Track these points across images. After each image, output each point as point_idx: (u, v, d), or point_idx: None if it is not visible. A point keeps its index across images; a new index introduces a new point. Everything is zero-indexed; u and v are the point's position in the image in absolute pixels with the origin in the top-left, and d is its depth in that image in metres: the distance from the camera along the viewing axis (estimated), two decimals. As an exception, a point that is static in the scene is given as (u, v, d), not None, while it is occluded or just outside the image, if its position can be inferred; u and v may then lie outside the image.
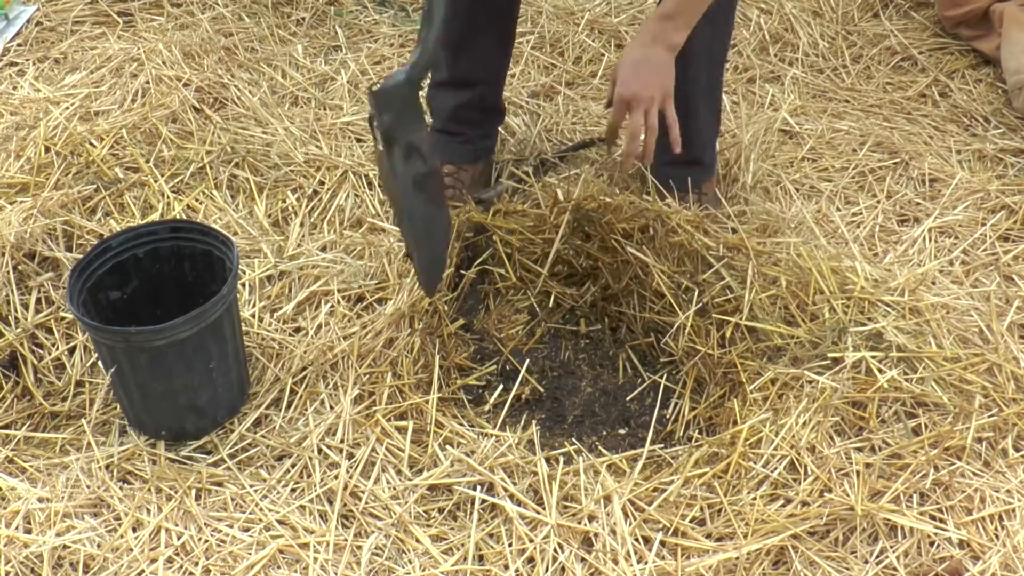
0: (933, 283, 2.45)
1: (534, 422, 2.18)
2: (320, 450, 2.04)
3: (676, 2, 2.11)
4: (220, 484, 1.99)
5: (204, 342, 1.98)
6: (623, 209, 2.35)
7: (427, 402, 2.12)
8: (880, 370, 2.09)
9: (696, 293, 2.27)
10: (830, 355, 2.12)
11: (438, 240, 2.08)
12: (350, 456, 2.03)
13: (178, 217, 2.52)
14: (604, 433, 2.22)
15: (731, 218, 2.51)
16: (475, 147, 2.67)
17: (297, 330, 2.30)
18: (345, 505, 1.95)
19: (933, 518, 1.97)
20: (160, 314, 2.06)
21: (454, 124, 2.63)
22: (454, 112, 2.62)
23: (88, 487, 1.97)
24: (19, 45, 3.18)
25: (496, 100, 2.71)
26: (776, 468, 2.00)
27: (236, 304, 2.06)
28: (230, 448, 2.05)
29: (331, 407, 2.12)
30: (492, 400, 2.21)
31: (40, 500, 1.94)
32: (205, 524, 1.92)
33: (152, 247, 2.12)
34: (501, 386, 2.27)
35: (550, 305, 2.41)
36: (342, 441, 2.05)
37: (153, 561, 1.87)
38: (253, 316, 2.30)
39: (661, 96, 2.18)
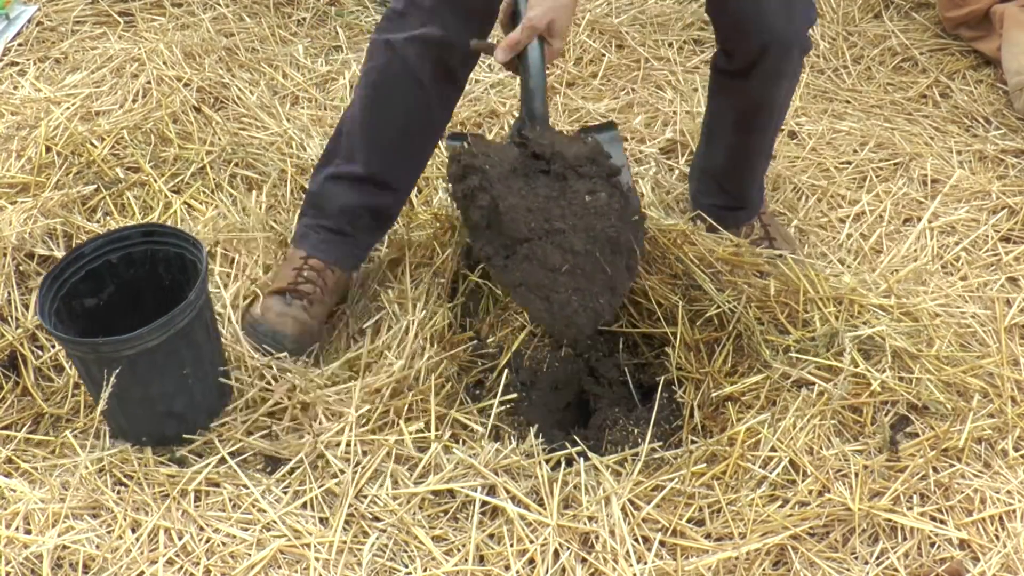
0: (930, 283, 2.45)
1: (535, 425, 2.19)
2: (321, 455, 2.04)
3: None
4: (217, 485, 1.99)
5: (176, 348, 1.96)
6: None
7: (431, 404, 2.12)
8: (872, 375, 2.09)
9: (683, 309, 2.28)
10: (823, 361, 2.12)
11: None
12: (353, 459, 2.04)
13: (174, 217, 2.52)
14: (605, 434, 2.22)
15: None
16: (361, 255, 2.36)
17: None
18: (350, 506, 1.95)
19: (933, 519, 1.97)
20: (138, 320, 2.00)
21: (347, 224, 2.29)
22: (353, 212, 2.28)
23: (85, 489, 1.97)
24: (20, 45, 3.18)
25: (399, 211, 2.38)
26: (775, 469, 2.00)
27: (210, 307, 2.04)
28: (229, 448, 2.05)
29: (340, 417, 2.12)
30: (496, 403, 2.20)
31: (42, 501, 1.94)
32: (206, 524, 1.92)
33: (126, 252, 2.10)
34: (500, 388, 2.27)
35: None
36: (349, 444, 2.05)
37: (153, 563, 1.87)
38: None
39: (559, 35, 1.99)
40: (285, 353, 2.20)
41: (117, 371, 1.92)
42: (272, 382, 2.14)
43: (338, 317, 2.36)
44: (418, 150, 2.30)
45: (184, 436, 2.06)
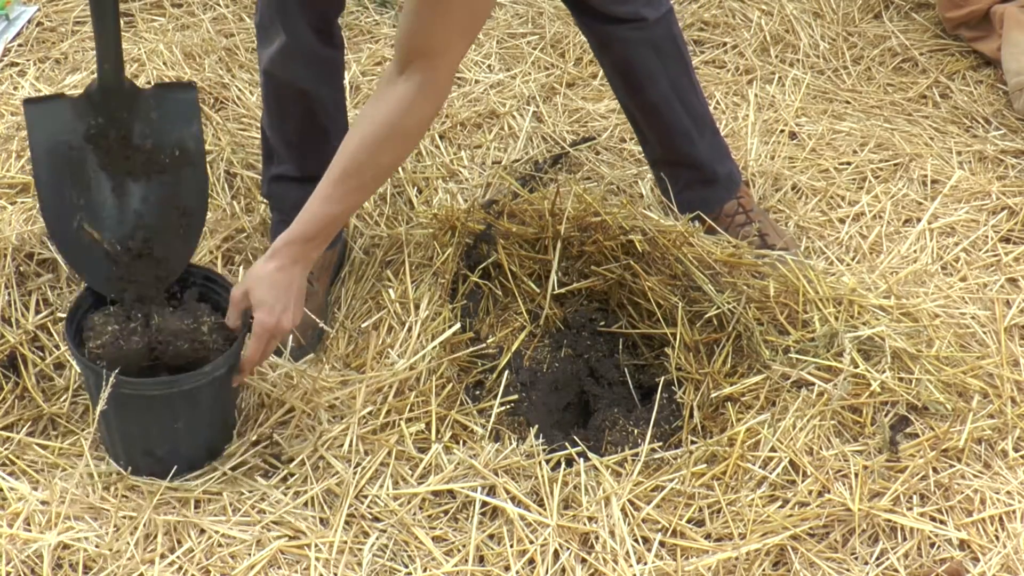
0: (929, 284, 2.45)
1: (535, 425, 2.19)
2: (322, 456, 2.04)
3: (315, 225, 1.92)
4: (218, 495, 1.99)
5: (173, 403, 1.94)
6: (611, 228, 2.35)
7: (431, 405, 2.12)
8: (872, 375, 2.09)
9: (683, 310, 2.28)
10: (823, 361, 2.12)
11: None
12: (354, 459, 2.04)
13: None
14: (605, 434, 2.22)
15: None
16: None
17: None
18: (350, 507, 1.95)
19: (933, 519, 1.97)
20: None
21: None
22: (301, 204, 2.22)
23: (85, 491, 1.96)
24: (20, 45, 3.17)
25: None
26: (775, 469, 2.00)
27: (227, 381, 1.97)
28: (229, 466, 2.04)
29: (340, 417, 2.12)
30: (496, 403, 2.20)
31: (41, 502, 1.94)
32: (206, 524, 1.92)
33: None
34: (500, 389, 2.27)
35: (545, 313, 2.41)
36: (350, 444, 2.05)
37: (153, 563, 1.87)
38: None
39: (296, 325, 2.01)
40: (289, 358, 2.20)
41: (110, 397, 1.89)
42: (273, 387, 2.14)
43: (336, 317, 2.36)
44: (337, 132, 2.35)
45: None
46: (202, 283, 2.08)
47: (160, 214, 2.05)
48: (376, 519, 1.95)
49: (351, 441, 2.05)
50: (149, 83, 2.92)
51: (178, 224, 2.07)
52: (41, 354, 2.19)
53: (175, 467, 1.99)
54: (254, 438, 2.07)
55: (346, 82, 3.03)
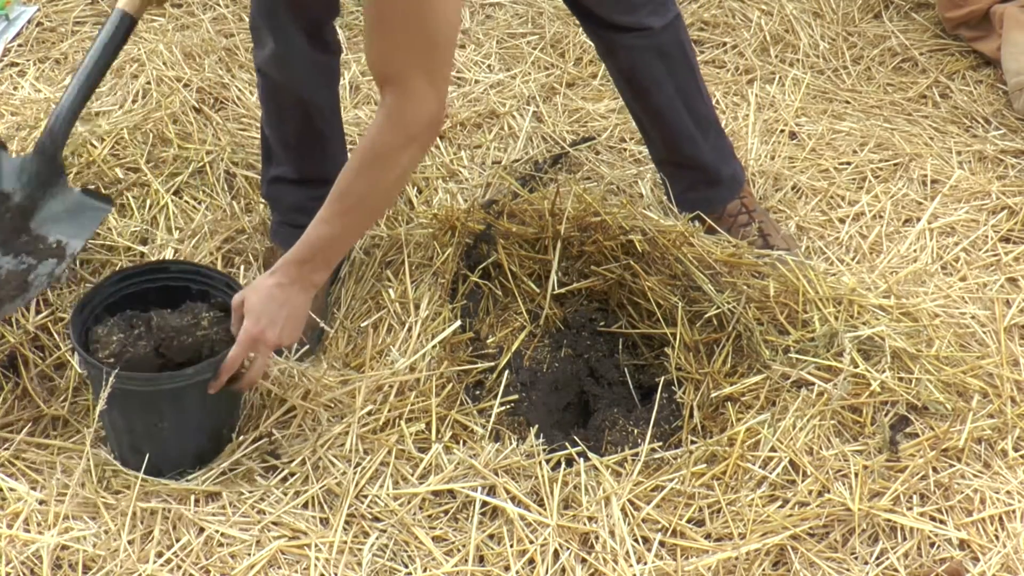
0: (928, 283, 2.45)
1: (535, 425, 2.19)
2: (322, 456, 2.04)
3: (310, 246, 1.95)
4: (218, 494, 1.99)
5: (156, 401, 1.95)
6: (611, 228, 2.35)
7: (431, 406, 2.12)
8: (872, 375, 2.09)
9: (683, 310, 2.28)
10: (823, 361, 2.12)
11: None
12: (354, 459, 2.04)
13: (173, 218, 2.51)
14: (605, 434, 2.22)
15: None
16: None
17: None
18: (350, 506, 1.95)
19: (933, 519, 1.97)
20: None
21: (302, 216, 2.19)
22: (303, 208, 2.25)
23: (84, 491, 1.96)
24: (20, 45, 3.17)
25: None
26: (775, 469, 2.00)
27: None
28: (228, 462, 2.04)
29: (340, 417, 2.12)
30: (496, 403, 2.20)
31: (41, 502, 1.94)
32: (206, 524, 1.92)
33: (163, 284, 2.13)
34: (500, 389, 2.27)
35: (545, 313, 2.41)
36: (350, 444, 2.05)
37: (151, 562, 1.86)
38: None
39: (288, 344, 2.02)
40: (286, 356, 2.20)
41: (101, 391, 1.90)
42: (272, 386, 2.14)
43: (336, 317, 2.36)
44: (333, 136, 2.41)
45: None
46: (223, 290, 2.09)
47: (3, 282, 2.14)
48: (376, 519, 1.95)
49: (351, 441, 2.05)
50: (148, 84, 2.92)
51: (12, 294, 2.14)
52: (41, 354, 2.19)
53: (162, 468, 2.00)
54: (254, 435, 2.07)
55: (346, 82, 3.03)
